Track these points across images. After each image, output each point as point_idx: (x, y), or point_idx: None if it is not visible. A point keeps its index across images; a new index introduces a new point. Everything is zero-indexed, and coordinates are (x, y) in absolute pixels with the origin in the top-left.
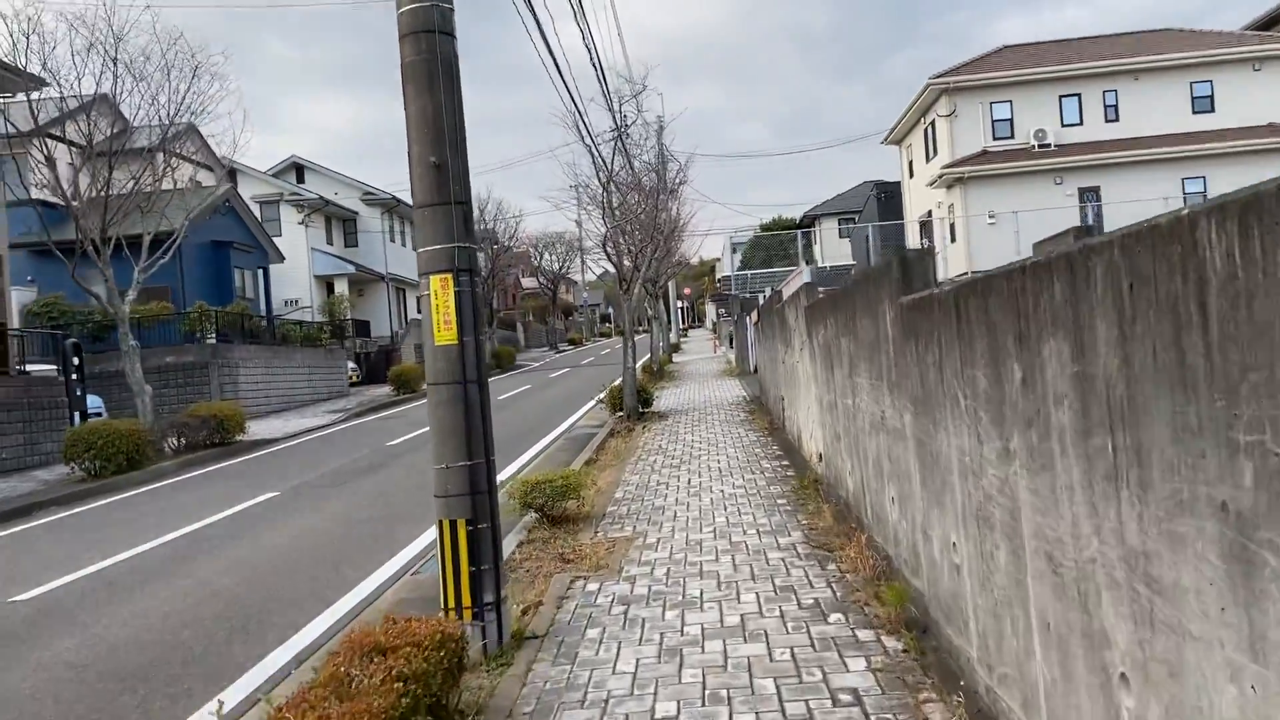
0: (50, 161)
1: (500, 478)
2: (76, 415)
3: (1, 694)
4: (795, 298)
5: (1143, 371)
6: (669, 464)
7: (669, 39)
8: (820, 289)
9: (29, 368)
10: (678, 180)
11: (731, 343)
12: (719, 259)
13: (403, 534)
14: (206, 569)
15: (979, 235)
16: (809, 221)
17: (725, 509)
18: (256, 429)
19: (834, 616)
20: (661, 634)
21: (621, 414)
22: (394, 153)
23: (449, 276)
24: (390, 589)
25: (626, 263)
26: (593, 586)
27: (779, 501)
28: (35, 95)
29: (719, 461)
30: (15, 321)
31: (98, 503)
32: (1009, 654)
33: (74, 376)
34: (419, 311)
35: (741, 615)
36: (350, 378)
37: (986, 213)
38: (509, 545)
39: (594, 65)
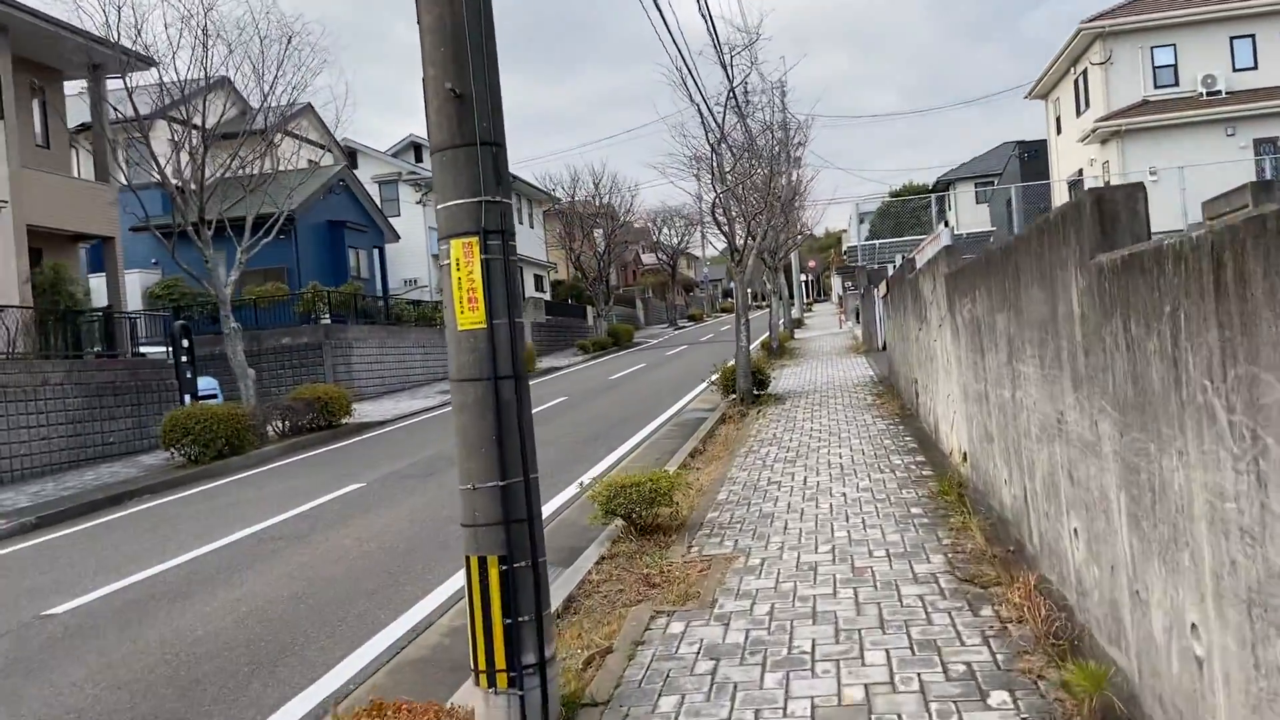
0: (148, 143)
1: (600, 469)
2: (187, 398)
3: None
4: (932, 265)
5: None
6: (783, 458)
7: (793, 5)
8: (965, 254)
9: (144, 350)
10: (796, 141)
11: (858, 317)
12: (845, 230)
13: None
14: (260, 578)
15: None
16: (943, 187)
17: (847, 519)
18: (367, 410)
19: (997, 697)
20: (757, 712)
21: (734, 397)
22: (520, 132)
23: (474, 241)
24: (447, 614)
25: (739, 232)
26: (676, 627)
27: (914, 510)
28: (135, 77)
29: (841, 456)
30: (137, 303)
31: (188, 491)
32: None
33: (184, 359)
34: (537, 289)
35: (866, 687)
36: None
37: (1148, 169)
38: (589, 560)
39: (701, 11)
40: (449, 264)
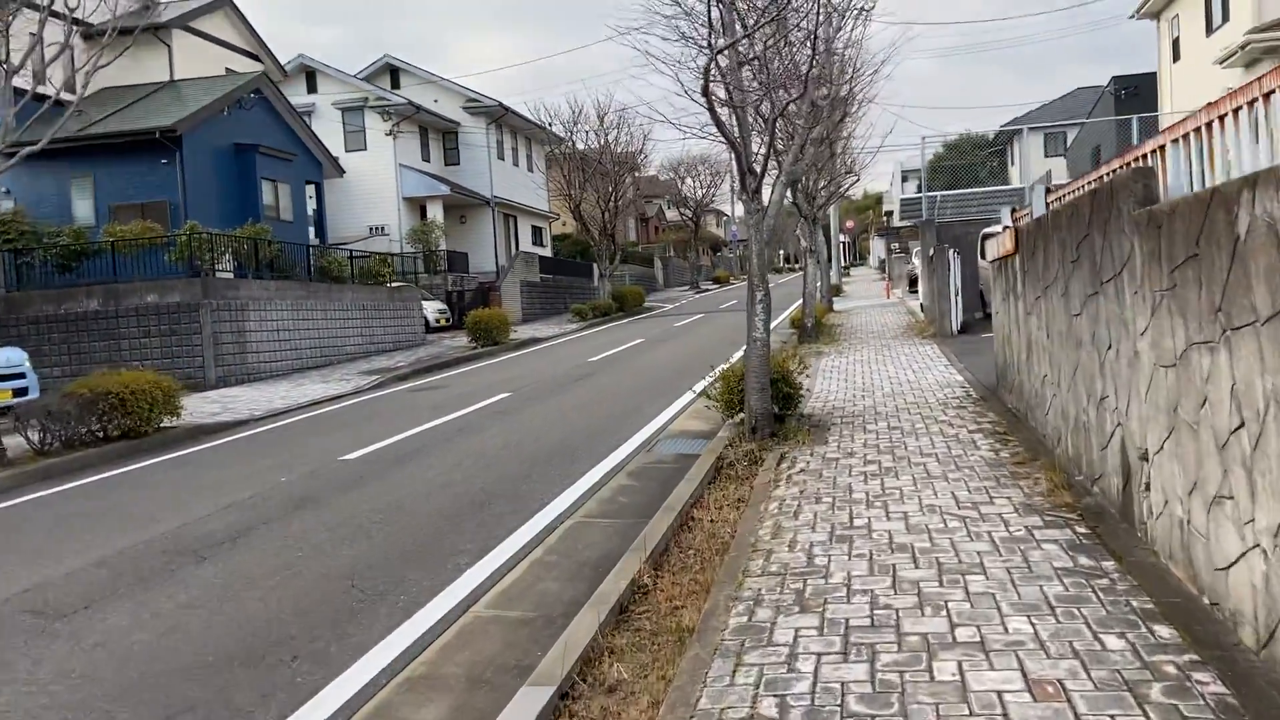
0: None
1: (412, 633)
2: None
3: None
4: None
5: None
6: (838, 695)
7: None
8: None
9: None
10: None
11: (912, 286)
12: (888, 190)
13: None
14: None
15: None
16: (1004, 141)
17: None
18: (240, 400)
19: None
20: None
21: (742, 419)
22: (553, 86)
23: None
24: None
25: (755, 136)
26: None
27: None
28: None
29: (1009, 710)
30: None
31: None
32: None
33: None
34: (535, 242)
35: None
36: (439, 321)
37: None
38: None
39: None
40: None
